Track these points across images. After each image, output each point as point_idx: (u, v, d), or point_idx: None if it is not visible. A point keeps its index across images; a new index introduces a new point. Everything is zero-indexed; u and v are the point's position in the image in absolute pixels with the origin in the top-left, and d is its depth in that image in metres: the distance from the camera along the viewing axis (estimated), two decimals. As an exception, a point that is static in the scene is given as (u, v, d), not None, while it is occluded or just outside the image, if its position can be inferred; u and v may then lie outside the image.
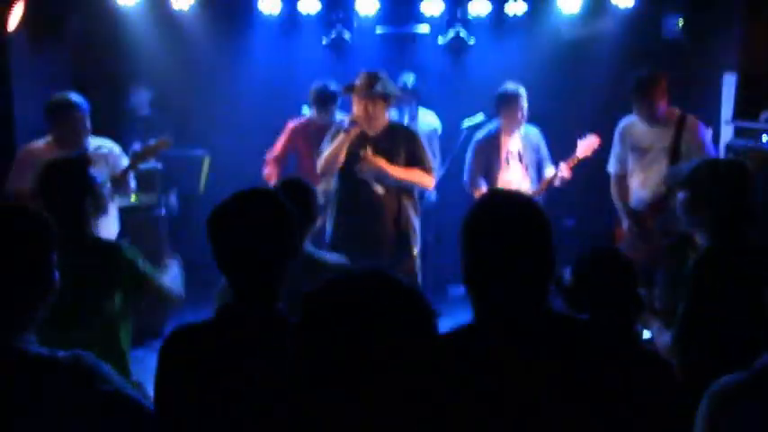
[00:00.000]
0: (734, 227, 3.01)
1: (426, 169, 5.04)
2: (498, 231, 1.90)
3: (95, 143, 5.06)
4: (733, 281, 2.89)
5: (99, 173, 3.58)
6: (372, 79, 4.89)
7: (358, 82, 4.92)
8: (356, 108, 4.92)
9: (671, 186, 3.41)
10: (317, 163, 5.08)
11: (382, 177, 4.94)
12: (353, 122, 4.88)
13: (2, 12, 5.81)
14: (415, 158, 5.01)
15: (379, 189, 4.96)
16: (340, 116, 6.03)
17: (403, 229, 5.05)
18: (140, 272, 3.31)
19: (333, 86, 5.96)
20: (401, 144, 5.00)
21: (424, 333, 1.59)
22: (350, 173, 4.96)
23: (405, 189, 5.05)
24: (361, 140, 4.93)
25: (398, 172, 4.95)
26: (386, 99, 4.95)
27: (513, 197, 2.05)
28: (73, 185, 3.34)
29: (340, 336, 1.53)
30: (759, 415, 1.98)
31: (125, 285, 3.29)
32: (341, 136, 4.90)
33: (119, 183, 4.88)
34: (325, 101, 5.94)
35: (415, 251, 5.13)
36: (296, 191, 3.36)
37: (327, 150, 4.98)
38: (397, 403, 1.56)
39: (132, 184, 5.14)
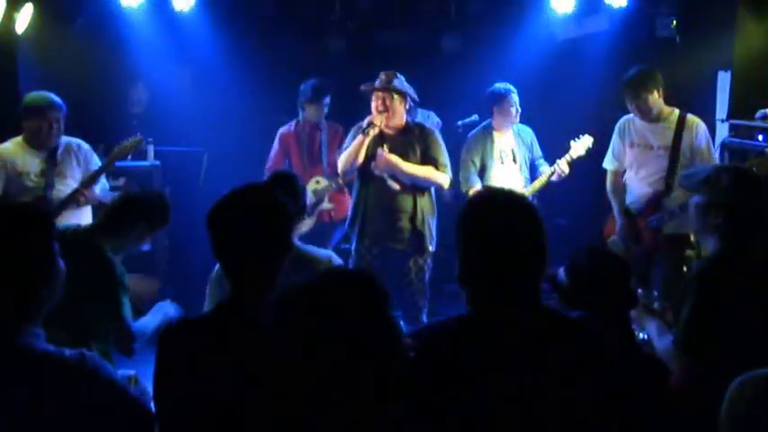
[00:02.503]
0: (745, 233, 3.02)
1: (440, 167, 5.14)
2: (491, 229, 1.91)
3: (65, 141, 5.06)
4: (739, 287, 2.90)
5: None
6: (391, 76, 5.06)
7: (378, 80, 5.07)
8: (375, 103, 5.04)
9: (687, 189, 3.41)
10: (338, 163, 5.23)
11: (398, 175, 5.03)
12: (371, 124, 5.00)
13: (11, 14, 5.85)
14: (429, 157, 5.11)
15: (395, 186, 5.04)
16: (325, 122, 6.10)
17: (418, 227, 5.12)
18: (117, 300, 3.38)
19: (319, 82, 6.03)
20: (416, 142, 5.10)
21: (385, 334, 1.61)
22: (367, 170, 5.06)
23: (420, 187, 5.13)
24: (378, 139, 5.04)
25: (412, 169, 5.04)
26: (403, 97, 5.07)
27: (506, 195, 2.07)
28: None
29: (311, 335, 1.56)
30: None
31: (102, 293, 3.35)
32: (359, 137, 5.02)
33: (93, 180, 4.94)
34: (316, 96, 5.98)
35: (430, 248, 5.20)
36: (284, 183, 3.45)
37: (346, 151, 5.10)
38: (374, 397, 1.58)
39: (105, 183, 5.16)
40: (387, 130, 5.09)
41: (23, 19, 5.96)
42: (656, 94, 5.20)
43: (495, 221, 1.92)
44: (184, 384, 2.16)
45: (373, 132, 5.01)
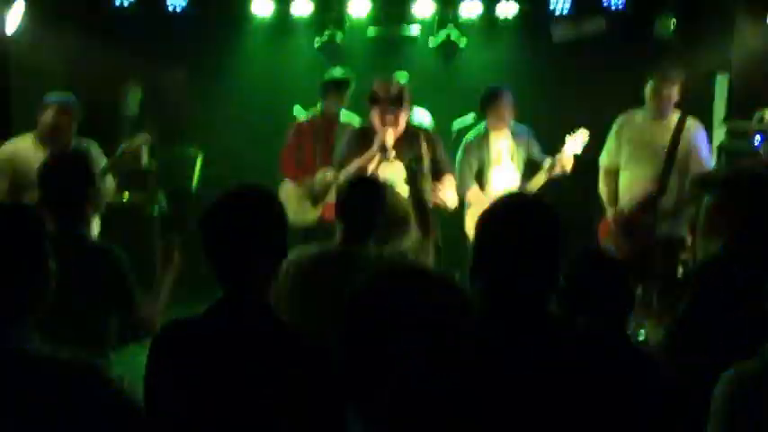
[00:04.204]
0: (753, 237, 3.00)
1: (452, 173, 5.09)
2: (503, 229, 1.91)
3: (75, 143, 5.03)
4: (738, 288, 2.89)
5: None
6: (397, 88, 4.90)
7: (379, 92, 4.89)
8: (380, 119, 4.87)
9: (701, 189, 3.42)
10: (340, 174, 5.03)
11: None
12: (385, 148, 4.82)
13: (1, 14, 5.83)
14: (439, 162, 5.00)
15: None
16: (346, 115, 6.09)
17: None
18: (130, 289, 3.30)
19: (342, 72, 6.05)
20: (422, 147, 4.93)
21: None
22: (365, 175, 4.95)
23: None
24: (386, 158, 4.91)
25: (434, 194, 4.93)
26: (408, 105, 4.98)
27: (530, 200, 2.06)
28: (75, 181, 3.32)
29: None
30: None
31: (114, 294, 3.28)
32: (370, 155, 4.84)
33: (102, 176, 4.90)
34: (338, 86, 5.99)
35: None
36: (368, 191, 3.46)
37: (351, 167, 4.91)
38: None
39: (111, 183, 5.14)
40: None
41: (14, 19, 5.93)
42: (676, 90, 5.25)
43: (509, 223, 1.92)
44: (174, 387, 2.14)
45: (386, 157, 4.84)
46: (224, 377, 2.07)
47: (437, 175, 5.02)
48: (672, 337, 2.98)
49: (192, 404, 2.10)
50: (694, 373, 2.62)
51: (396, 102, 4.85)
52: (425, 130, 5.21)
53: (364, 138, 4.97)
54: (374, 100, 4.90)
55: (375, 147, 4.85)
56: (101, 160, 5.13)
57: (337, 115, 6.08)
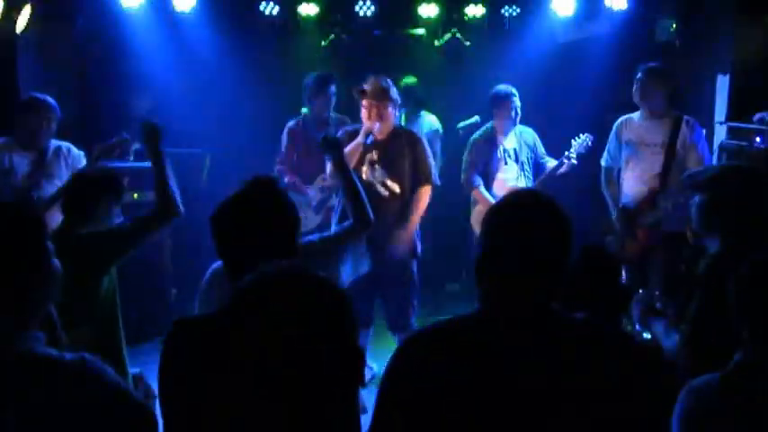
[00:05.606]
0: (751, 231, 3.00)
1: (426, 178, 5.11)
2: (516, 226, 1.92)
3: (55, 144, 5.08)
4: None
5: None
6: (382, 83, 5.00)
7: (368, 86, 5.00)
8: (367, 112, 4.98)
9: (691, 188, 3.43)
10: (327, 170, 5.12)
11: (388, 184, 5.01)
12: (372, 136, 4.93)
13: (10, 14, 5.87)
14: (417, 168, 5.08)
15: (384, 191, 5.01)
16: (334, 114, 6.12)
17: (410, 231, 5.09)
18: (121, 231, 3.57)
19: (323, 73, 6.07)
20: (405, 148, 5.07)
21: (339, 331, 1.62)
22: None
23: (406, 192, 5.09)
24: (368, 144, 4.99)
25: (414, 224, 5.05)
26: (394, 103, 5.04)
27: (538, 197, 2.05)
28: (99, 195, 3.56)
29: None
30: (732, 413, 2.02)
31: (115, 254, 3.51)
32: (354, 144, 4.93)
33: None
34: (321, 86, 5.99)
35: (419, 252, 5.20)
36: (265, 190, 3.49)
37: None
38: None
39: None
40: (378, 135, 5.03)
41: (23, 19, 5.97)
42: (669, 91, 5.31)
43: (515, 218, 1.93)
44: (189, 385, 2.13)
45: (371, 154, 4.98)
46: (236, 375, 2.02)
47: (415, 181, 5.09)
48: (686, 340, 2.95)
49: (204, 402, 2.07)
50: (716, 369, 2.62)
51: (379, 96, 4.94)
52: (410, 133, 5.27)
53: (356, 136, 5.05)
54: (361, 93, 5.01)
55: (360, 137, 4.95)
56: (80, 163, 5.13)
57: (327, 117, 6.08)
